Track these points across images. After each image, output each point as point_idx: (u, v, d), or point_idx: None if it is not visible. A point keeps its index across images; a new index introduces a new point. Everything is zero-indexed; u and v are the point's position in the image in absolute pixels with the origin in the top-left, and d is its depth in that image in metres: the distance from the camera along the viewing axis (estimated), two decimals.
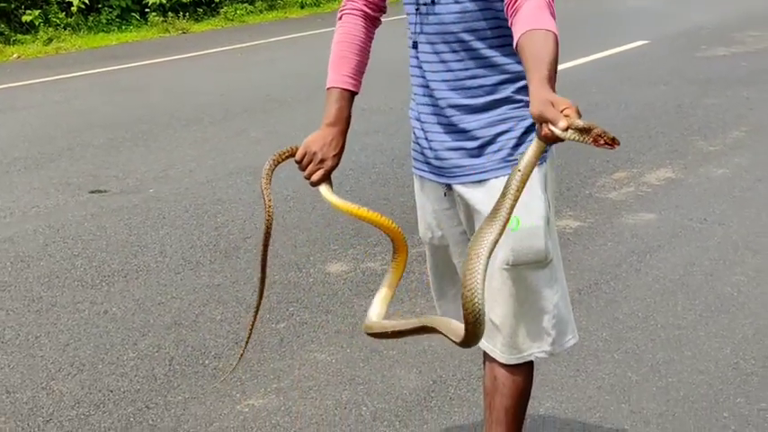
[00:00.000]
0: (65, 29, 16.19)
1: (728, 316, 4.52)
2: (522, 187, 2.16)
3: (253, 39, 15.13)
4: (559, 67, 8.16)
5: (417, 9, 2.67)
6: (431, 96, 2.72)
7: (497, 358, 2.80)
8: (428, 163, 2.81)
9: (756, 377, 3.93)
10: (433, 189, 2.85)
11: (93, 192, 6.95)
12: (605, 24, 14.99)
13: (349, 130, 2.78)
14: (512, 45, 2.40)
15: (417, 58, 2.73)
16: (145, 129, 8.89)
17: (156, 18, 16.89)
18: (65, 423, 3.76)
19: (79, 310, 4.86)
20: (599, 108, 8.99)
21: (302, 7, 19.39)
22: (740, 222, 5.77)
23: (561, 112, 2.02)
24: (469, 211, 2.75)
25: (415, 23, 2.70)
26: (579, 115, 2.01)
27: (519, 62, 2.49)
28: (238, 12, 18.23)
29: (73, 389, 4.04)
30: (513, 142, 2.66)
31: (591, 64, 11.50)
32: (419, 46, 2.71)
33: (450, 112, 2.69)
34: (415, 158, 2.88)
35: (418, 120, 2.80)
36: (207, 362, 4.26)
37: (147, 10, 17.17)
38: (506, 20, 2.49)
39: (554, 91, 2.13)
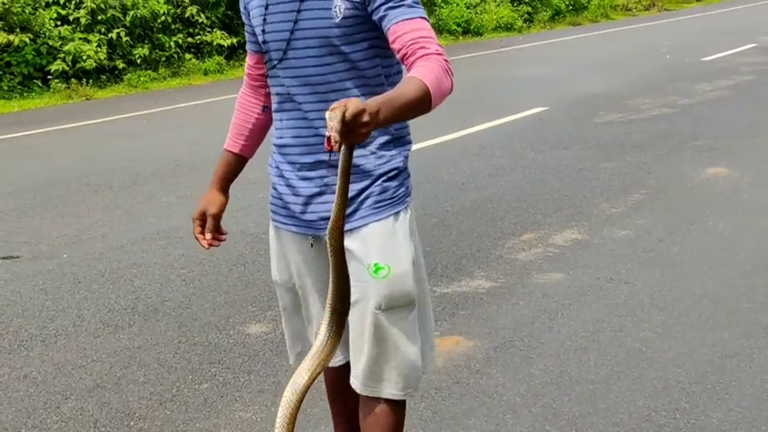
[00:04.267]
0: None
1: (638, 370, 4.70)
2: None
3: (158, 105, 15.15)
4: (464, 132, 8.48)
5: (271, 72, 2.92)
6: (292, 153, 2.93)
7: (382, 395, 2.99)
8: (293, 216, 2.98)
9: (668, 428, 4.10)
10: (298, 240, 3.02)
11: (5, 258, 6.90)
12: (505, 91, 15.36)
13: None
14: None
15: (282, 117, 2.95)
16: (54, 194, 8.86)
17: (59, 85, 16.78)
18: None
19: None
20: (504, 171, 9.24)
21: (205, 74, 19.44)
22: (644, 281, 5.99)
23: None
24: None
25: (273, 85, 2.95)
26: (343, 114, 2.20)
27: None
28: (142, 78, 18.21)
29: None
30: (378, 189, 2.87)
31: (493, 129, 11.79)
32: (284, 105, 2.92)
33: (312, 167, 2.89)
34: (276, 213, 3.06)
35: (281, 176, 2.99)
36: (132, 423, 4.29)
37: (49, 77, 17.07)
38: (370, 78, 2.82)
39: (384, 121, 2.36)
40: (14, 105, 15.75)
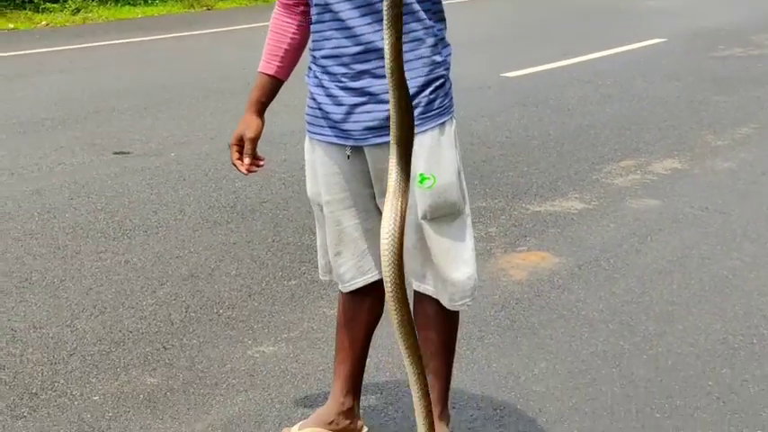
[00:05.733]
0: (92, 0, 16.44)
1: (721, 296, 4.72)
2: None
3: None
4: (578, 59, 8.52)
5: None
6: (333, 65, 2.87)
7: (433, 296, 3.03)
8: (334, 127, 2.94)
9: (744, 351, 4.12)
10: (335, 152, 2.98)
11: (116, 153, 7.19)
12: (625, 21, 15.15)
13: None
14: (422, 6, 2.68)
15: (321, 28, 2.88)
16: (168, 97, 9.14)
17: None
18: (87, 357, 4.00)
19: (102, 259, 5.10)
20: (612, 100, 9.18)
21: None
22: (741, 212, 5.95)
23: None
24: (380, 171, 2.89)
25: None
26: None
27: (428, 25, 2.80)
28: None
29: (95, 328, 4.28)
30: (425, 99, 2.85)
31: (608, 58, 11.68)
32: (323, 15, 2.86)
33: (354, 78, 2.85)
34: (314, 124, 3.02)
35: (320, 86, 2.93)
36: (221, 311, 4.49)
37: None
38: None
39: None
40: (138, 12, 16.13)
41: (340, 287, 3.22)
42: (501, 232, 5.55)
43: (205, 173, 6.65)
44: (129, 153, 7.19)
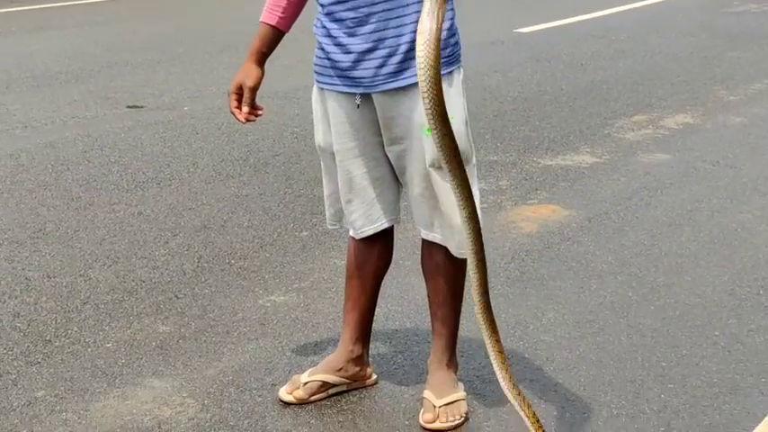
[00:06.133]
0: None
1: (730, 248, 4.74)
2: None
3: None
4: (592, 15, 8.48)
5: None
6: (339, 11, 2.92)
7: (440, 243, 3.10)
8: (342, 76, 2.99)
9: (750, 303, 4.15)
10: (344, 101, 3.03)
11: (130, 107, 7.23)
12: None
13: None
14: None
15: None
16: (181, 51, 9.17)
17: None
18: (100, 306, 4.05)
19: (115, 211, 5.14)
20: (625, 55, 9.16)
21: None
22: (751, 166, 5.96)
23: None
24: (389, 120, 2.97)
25: None
26: None
27: None
28: None
29: (108, 277, 4.34)
30: None
31: (622, 13, 11.64)
32: None
33: (361, 22, 2.89)
34: (323, 74, 3.07)
35: (328, 36, 2.98)
36: (233, 261, 4.54)
37: None
38: None
39: None
40: None
41: (351, 233, 3.27)
42: (512, 185, 5.58)
43: (218, 126, 6.68)
44: (142, 107, 7.23)
